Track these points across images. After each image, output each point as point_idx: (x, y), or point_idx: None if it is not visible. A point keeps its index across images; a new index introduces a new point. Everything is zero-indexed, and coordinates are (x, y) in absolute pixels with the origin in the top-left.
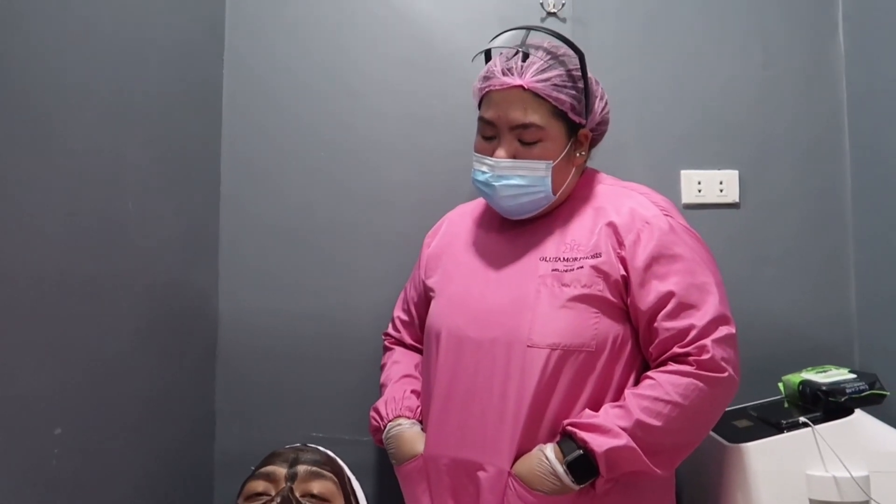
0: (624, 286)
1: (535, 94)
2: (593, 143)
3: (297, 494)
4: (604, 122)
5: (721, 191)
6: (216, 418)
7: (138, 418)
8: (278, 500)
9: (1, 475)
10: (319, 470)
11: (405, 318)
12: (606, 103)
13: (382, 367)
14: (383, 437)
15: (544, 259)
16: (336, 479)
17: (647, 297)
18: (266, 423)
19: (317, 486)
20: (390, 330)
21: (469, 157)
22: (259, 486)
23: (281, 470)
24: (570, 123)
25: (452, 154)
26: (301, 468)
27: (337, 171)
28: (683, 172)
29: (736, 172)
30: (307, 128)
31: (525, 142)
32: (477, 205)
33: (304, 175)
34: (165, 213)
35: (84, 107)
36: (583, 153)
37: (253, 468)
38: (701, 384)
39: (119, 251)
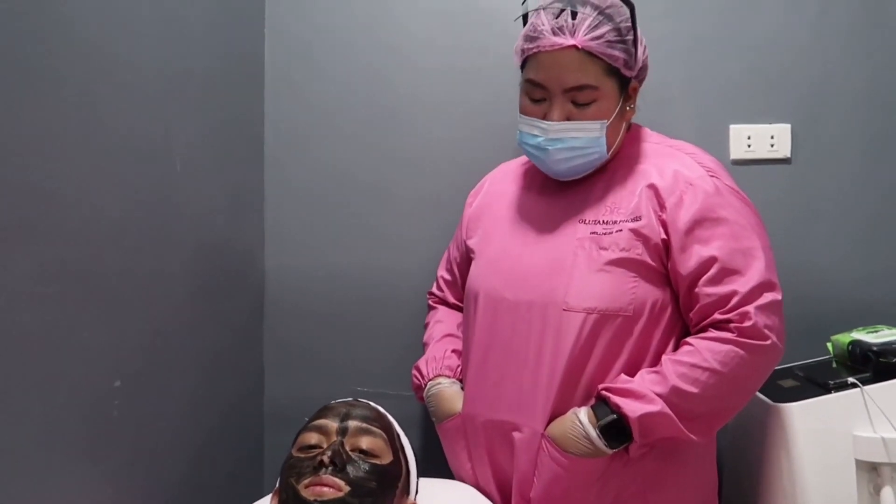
0: (664, 250)
1: (589, 54)
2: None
3: (347, 448)
4: (644, 68)
5: (772, 146)
6: (265, 373)
7: (192, 371)
8: (329, 452)
9: (68, 424)
10: (369, 426)
11: (448, 277)
12: (646, 47)
13: (426, 326)
14: (424, 395)
15: (583, 221)
16: (385, 436)
17: (688, 261)
18: (312, 378)
19: (366, 442)
20: (434, 289)
21: (512, 112)
22: (312, 437)
23: (332, 424)
24: (621, 79)
25: (495, 110)
26: (352, 423)
27: (378, 131)
28: (732, 127)
29: (788, 126)
30: (347, 88)
31: (578, 103)
32: (519, 164)
33: (345, 136)
34: (212, 177)
35: (131, 80)
36: (632, 106)
37: (306, 420)
38: (741, 351)
39: (169, 214)
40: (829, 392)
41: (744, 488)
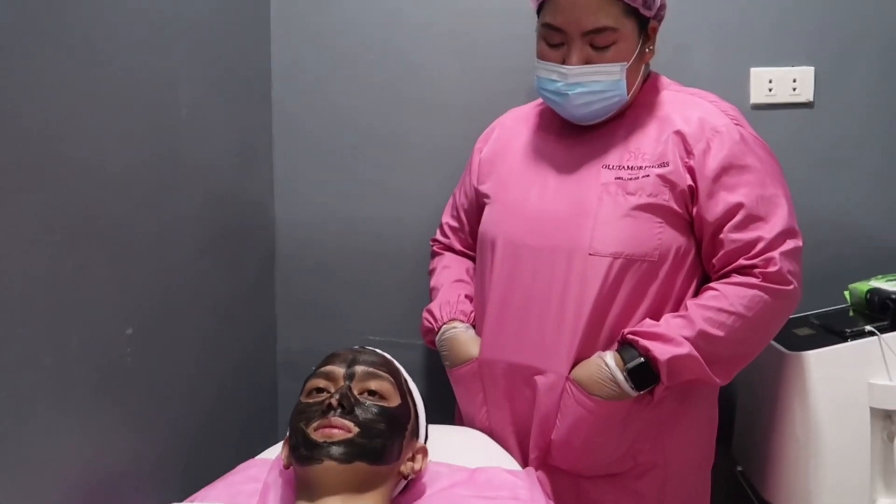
0: (690, 196)
1: None
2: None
3: (355, 392)
4: (663, 6)
5: (794, 89)
6: (277, 322)
7: (205, 321)
8: (337, 396)
9: (81, 372)
10: (376, 371)
11: (454, 224)
12: None
13: (431, 273)
14: (437, 339)
15: (607, 167)
16: (392, 380)
17: (714, 208)
18: (324, 326)
19: (374, 385)
20: (438, 236)
21: (524, 56)
22: (319, 383)
23: (339, 369)
24: (640, 19)
25: (506, 51)
26: (359, 368)
27: (386, 75)
28: (753, 70)
29: (812, 69)
30: (355, 29)
31: (597, 46)
32: (531, 109)
33: (353, 81)
34: (219, 124)
35: (134, 24)
36: (651, 47)
37: (314, 367)
38: (766, 296)
39: (175, 162)
40: (846, 340)
41: (757, 436)
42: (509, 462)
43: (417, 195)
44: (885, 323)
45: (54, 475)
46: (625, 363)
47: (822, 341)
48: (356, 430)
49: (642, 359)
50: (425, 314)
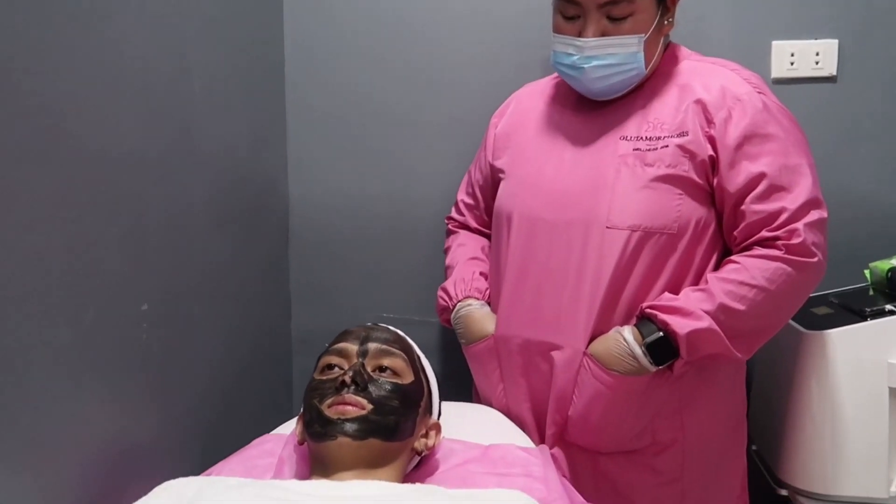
0: (711, 167)
1: None
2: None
3: (369, 369)
4: None
5: (817, 63)
6: (291, 298)
7: (219, 299)
8: (350, 373)
9: (98, 347)
10: (389, 348)
11: (470, 201)
12: None
13: (447, 251)
14: (452, 316)
15: (625, 138)
16: (405, 357)
17: (736, 178)
18: (339, 303)
19: (387, 362)
20: (454, 213)
21: (540, 30)
22: (333, 360)
23: (353, 347)
24: None
25: (522, 25)
26: (371, 345)
27: (400, 52)
28: (775, 43)
29: (836, 42)
30: (368, 6)
31: (614, 18)
32: (547, 83)
33: (366, 59)
34: (232, 102)
35: (146, 4)
36: (671, 20)
37: (327, 345)
38: (789, 269)
39: (190, 141)
40: (865, 319)
41: (773, 416)
42: (523, 439)
43: (432, 172)
44: None
45: (74, 449)
46: (643, 338)
47: (842, 320)
48: (370, 406)
49: (661, 333)
50: (440, 292)
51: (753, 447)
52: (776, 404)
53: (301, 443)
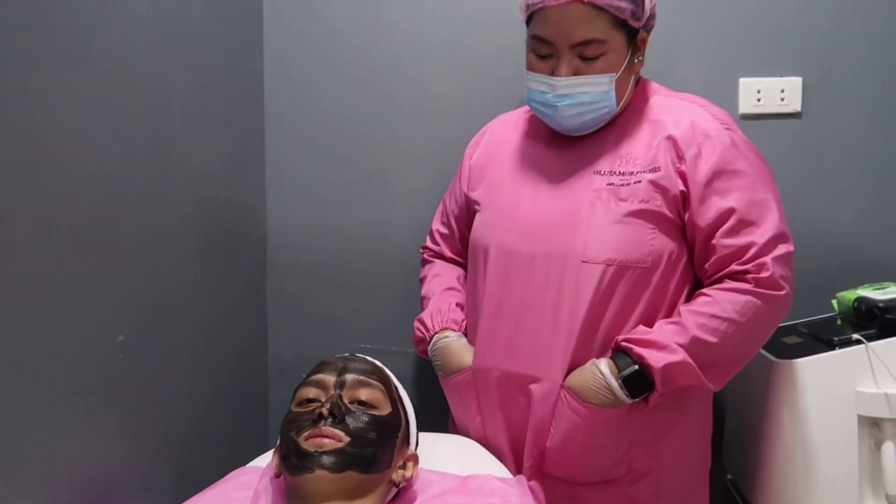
0: (682, 202)
1: (595, 7)
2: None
3: (346, 400)
4: (652, 17)
5: (782, 100)
6: (268, 329)
7: (196, 327)
8: (328, 405)
9: (73, 379)
10: (367, 379)
11: (445, 231)
12: None
13: (422, 281)
14: (429, 348)
15: (599, 173)
16: (383, 388)
17: (706, 213)
18: (316, 334)
19: (364, 394)
20: (429, 243)
21: (515, 64)
22: (310, 392)
23: (330, 378)
24: (629, 30)
25: (497, 58)
26: (349, 377)
27: (379, 81)
28: (742, 80)
29: (799, 80)
30: (348, 35)
31: (586, 57)
32: (521, 115)
33: (346, 87)
34: (212, 129)
35: (127, 27)
36: (641, 58)
37: (304, 376)
38: (759, 301)
39: (169, 167)
40: (834, 348)
41: (746, 445)
42: (500, 470)
43: (409, 201)
44: (873, 331)
45: (46, 479)
46: (619, 371)
47: (811, 349)
48: (347, 439)
49: (637, 366)
50: (417, 324)
51: (728, 476)
52: (749, 433)
53: (278, 475)
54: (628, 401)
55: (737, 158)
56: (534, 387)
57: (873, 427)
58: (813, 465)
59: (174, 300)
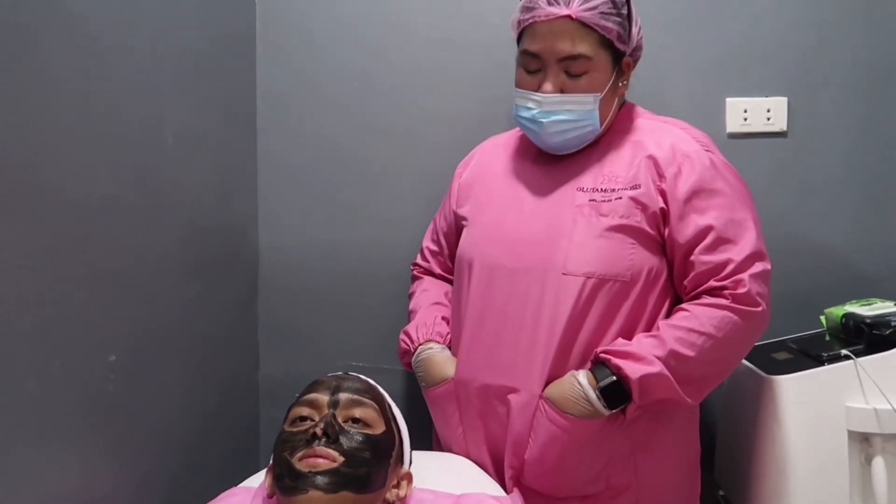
0: (662, 219)
1: (583, 24)
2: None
3: (339, 420)
4: (639, 48)
5: (768, 119)
6: (259, 348)
7: (187, 348)
8: (321, 424)
9: (64, 398)
10: (360, 398)
11: (434, 248)
12: (640, 28)
13: (411, 296)
14: (413, 360)
15: (581, 189)
16: (377, 406)
17: (685, 230)
18: (307, 354)
19: (358, 413)
20: (419, 260)
21: (505, 85)
22: (303, 411)
23: (323, 397)
24: (615, 52)
25: (487, 82)
26: (343, 396)
27: (370, 104)
28: (728, 100)
29: (785, 99)
30: (340, 59)
31: (572, 74)
32: (510, 136)
33: (338, 110)
34: (204, 153)
35: (122, 57)
36: (625, 82)
37: (297, 395)
38: (735, 317)
39: (161, 190)
40: (823, 364)
41: (737, 460)
42: (494, 488)
43: (399, 222)
44: (861, 347)
45: (35, 502)
46: (597, 381)
47: (800, 365)
48: (341, 459)
49: (614, 377)
50: (402, 336)
51: (721, 492)
52: (740, 449)
53: (271, 496)
54: (606, 412)
55: (716, 178)
56: (512, 397)
57: (863, 442)
58: (803, 481)
59: (165, 321)
